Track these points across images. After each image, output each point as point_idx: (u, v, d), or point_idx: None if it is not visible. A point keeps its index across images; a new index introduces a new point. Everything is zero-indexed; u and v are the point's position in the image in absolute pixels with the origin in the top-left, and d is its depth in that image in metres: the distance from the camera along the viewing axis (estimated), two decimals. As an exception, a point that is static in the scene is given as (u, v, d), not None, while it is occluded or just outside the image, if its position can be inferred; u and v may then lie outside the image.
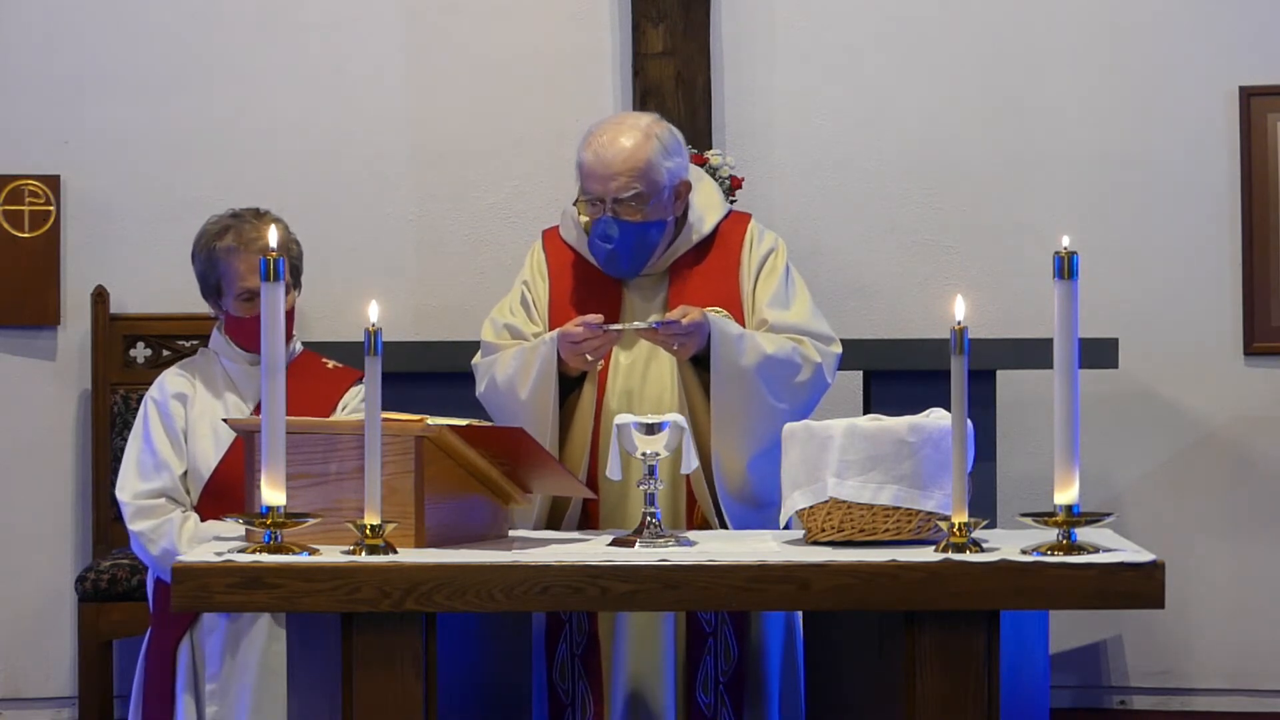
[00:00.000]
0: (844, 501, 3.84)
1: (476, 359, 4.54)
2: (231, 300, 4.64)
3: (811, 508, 3.88)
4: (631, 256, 4.41)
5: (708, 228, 4.50)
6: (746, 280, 4.49)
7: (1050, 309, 3.68)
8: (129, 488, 4.62)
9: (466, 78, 6.48)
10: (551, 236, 4.59)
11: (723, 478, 4.30)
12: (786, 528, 4.05)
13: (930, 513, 3.84)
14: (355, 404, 4.71)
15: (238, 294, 4.62)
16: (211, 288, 4.69)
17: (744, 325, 4.42)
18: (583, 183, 4.40)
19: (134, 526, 4.59)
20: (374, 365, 3.68)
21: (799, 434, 3.93)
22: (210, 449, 4.62)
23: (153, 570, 4.65)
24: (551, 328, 4.43)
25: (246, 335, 4.62)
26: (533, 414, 4.32)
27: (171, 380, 4.70)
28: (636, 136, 4.38)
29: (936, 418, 3.88)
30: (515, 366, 4.37)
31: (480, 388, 4.48)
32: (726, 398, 4.28)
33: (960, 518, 3.68)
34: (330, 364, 4.82)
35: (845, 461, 3.85)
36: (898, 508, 3.84)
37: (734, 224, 4.54)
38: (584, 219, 4.42)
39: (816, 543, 3.88)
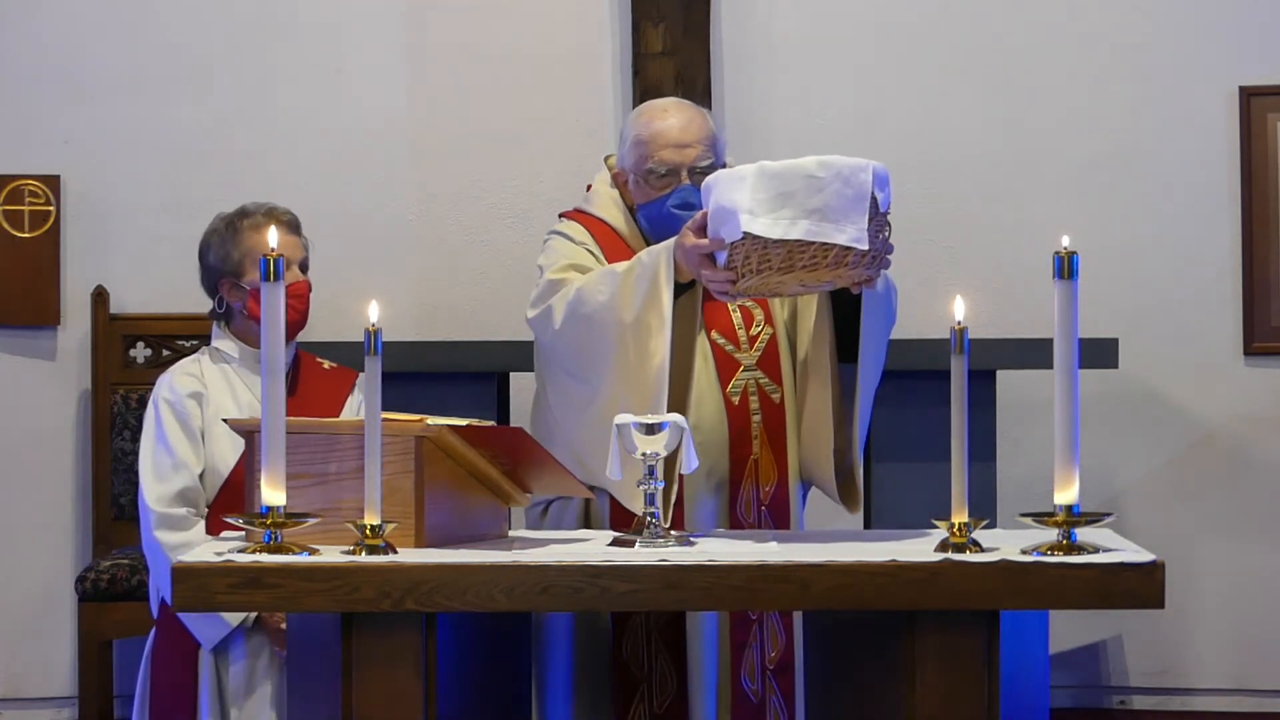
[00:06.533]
0: (760, 239, 3.87)
1: (533, 310, 4.30)
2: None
3: (731, 248, 3.91)
4: None
5: None
6: None
7: (1050, 309, 3.68)
8: (152, 492, 4.59)
9: (466, 77, 6.48)
10: (579, 216, 4.47)
11: (856, 430, 4.27)
12: None
13: (845, 246, 3.87)
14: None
15: None
16: (233, 266, 4.66)
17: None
18: (652, 154, 4.33)
19: (159, 535, 4.56)
20: (374, 365, 3.68)
21: (711, 184, 3.99)
22: (229, 448, 4.60)
23: (169, 580, 4.60)
24: None
25: None
26: (639, 335, 4.14)
27: (181, 380, 4.68)
28: (698, 110, 4.41)
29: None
30: (611, 287, 4.15)
31: (557, 321, 4.23)
32: (875, 328, 4.23)
33: (960, 518, 3.69)
34: (326, 364, 4.83)
35: (757, 200, 3.89)
36: (811, 243, 3.86)
37: None
38: (649, 194, 4.35)
39: (741, 289, 3.93)
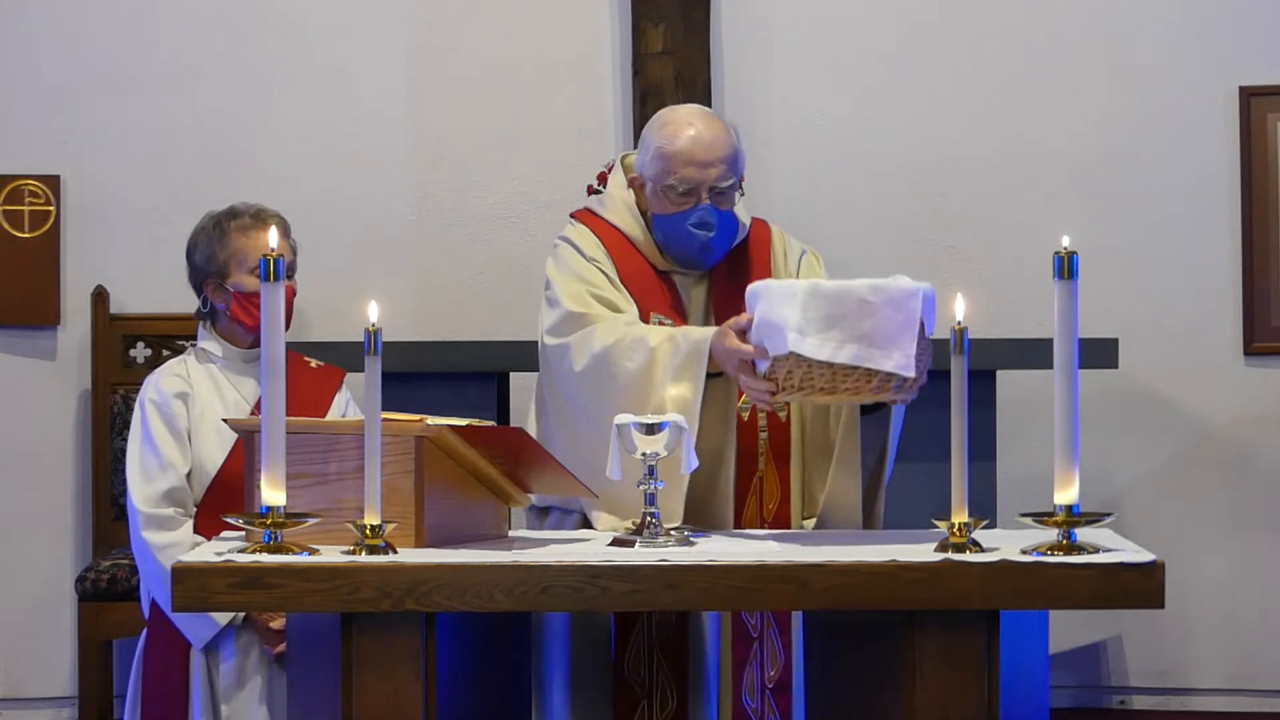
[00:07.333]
0: (805, 358, 3.87)
1: (552, 339, 4.29)
2: (245, 274, 4.62)
3: (774, 362, 3.91)
4: (724, 248, 4.35)
5: (747, 227, 4.46)
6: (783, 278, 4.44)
7: (1050, 309, 3.68)
8: (139, 493, 4.59)
9: (466, 77, 6.48)
10: (591, 220, 4.45)
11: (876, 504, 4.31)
12: None
13: (890, 373, 3.87)
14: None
15: (254, 267, 4.59)
16: (218, 267, 4.65)
17: None
18: (674, 170, 4.29)
19: (146, 535, 4.56)
20: (374, 365, 3.68)
21: (760, 292, 3.97)
22: (215, 447, 4.60)
23: (158, 580, 4.60)
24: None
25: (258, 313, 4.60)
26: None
27: (168, 380, 4.68)
28: (723, 126, 4.36)
29: (899, 279, 3.93)
30: (643, 360, 4.16)
31: (578, 364, 4.24)
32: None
33: (960, 518, 3.69)
34: (313, 363, 4.82)
35: (807, 319, 3.88)
36: (857, 367, 3.86)
37: (760, 228, 4.49)
38: (668, 208, 4.32)
39: (780, 401, 3.98)
